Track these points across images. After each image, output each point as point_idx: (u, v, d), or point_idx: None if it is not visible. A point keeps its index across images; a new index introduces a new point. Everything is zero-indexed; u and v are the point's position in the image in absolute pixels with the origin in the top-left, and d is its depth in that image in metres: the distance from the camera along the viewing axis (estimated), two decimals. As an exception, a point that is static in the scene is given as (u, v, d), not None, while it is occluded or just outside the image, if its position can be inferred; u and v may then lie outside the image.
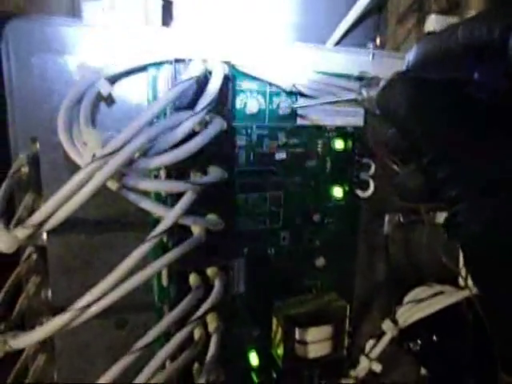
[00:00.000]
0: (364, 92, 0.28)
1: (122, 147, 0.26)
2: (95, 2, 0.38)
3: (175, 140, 0.30)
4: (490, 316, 0.21)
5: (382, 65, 0.45)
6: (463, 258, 0.22)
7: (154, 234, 0.29)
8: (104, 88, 0.32)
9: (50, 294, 0.37)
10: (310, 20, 0.47)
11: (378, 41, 0.51)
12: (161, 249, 0.37)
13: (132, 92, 0.36)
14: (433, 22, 0.48)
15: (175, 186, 0.31)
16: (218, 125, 0.32)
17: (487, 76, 0.20)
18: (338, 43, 0.47)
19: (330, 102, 0.38)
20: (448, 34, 0.22)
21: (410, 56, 0.25)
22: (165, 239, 0.38)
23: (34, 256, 0.38)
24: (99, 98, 0.33)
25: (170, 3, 0.43)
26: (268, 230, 0.45)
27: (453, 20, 0.49)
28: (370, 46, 0.47)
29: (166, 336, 0.34)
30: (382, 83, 0.26)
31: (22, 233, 0.28)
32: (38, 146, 0.34)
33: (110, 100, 0.34)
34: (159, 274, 0.39)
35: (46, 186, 0.34)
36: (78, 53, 0.34)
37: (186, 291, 0.35)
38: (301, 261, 0.47)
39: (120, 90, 0.35)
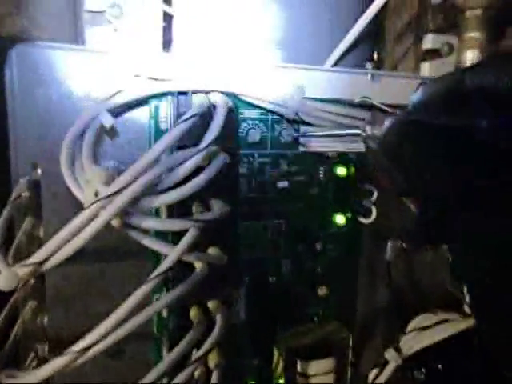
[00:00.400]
0: (368, 129, 0.28)
1: (127, 186, 0.26)
2: (99, 27, 0.38)
3: (179, 178, 0.29)
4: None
5: (382, 85, 0.44)
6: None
7: (156, 273, 0.28)
8: (106, 120, 0.31)
9: (46, 320, 0.37)
10: (307, 43, 0.46)
11: (376, 60, 0.51)
12: (163, 284, 0.36)
13: (134, 121, 0.35)
14: (430, 41, 0.48)
15: (178, 224, 0.30)
16: (221, 161, 0.32)
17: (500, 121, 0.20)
18: (335, 65, 0.46)
19: (334, 135, 0.37)
20: (455, 77, 0.21)
21: (415, 97, 0.24)
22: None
23: (32, 281, 0.37)
24: (102, 130, 0.33)
25: (171, 17, 0.43)
26: (269, 259, 0.44)
27: (450, 38, 0.49)
28: (369, 66, 0.46)
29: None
30: (386, 123, 0.25)
31: (22, 271, 0.27)
32: (39, 171, 0.33)
33: (112, 131, 0.34)
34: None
35: (46, 216, 0.34)
36: (82, 80, 0.33)
37: (185, 323, 0.35)
38: (302, 289, 0.46)
39: (122, 119, 0.35)
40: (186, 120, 0.29)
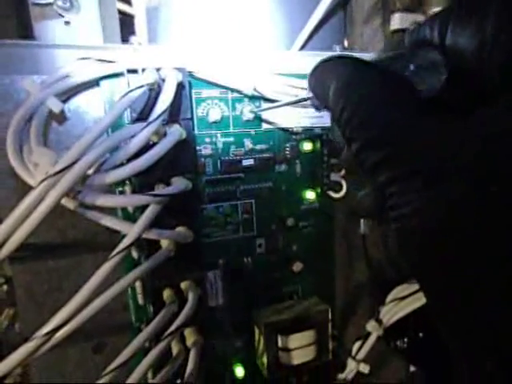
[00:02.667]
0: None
1: (74, 163, 0.26)
2: (48, 21, 0.38)
3: (130, 152, 0.29)
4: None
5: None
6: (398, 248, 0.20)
7: (117, 250, 0.28)
8: (54, 105, 0.31)
9: (19, 322, 0.36)
10: (275, 25, 0.46)
11: (345, 43, 0.51)
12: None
13: (88, 108, 0.35)
14: (398, 21, 0.48)
15: (134, 199, 0.30)
16: (175, 134, 0.32)
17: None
18: (302, 48, 0.47)
19: (287, 104, 0.37)
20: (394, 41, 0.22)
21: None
22: (136, 257, 0.37)
23: (5, 288, 0.37)
24: (52, 115, 0.32)
25: (131, 17, 0.43)
26: (242, 239, 0.44)
27: (417, 17, 0.49)
28: (337, 48, 0.46)
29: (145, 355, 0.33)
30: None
31: (-24, 262, 0.27)
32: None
33: (63, 117, 0.33)
34: (135, 294, 0.38)
35: (3, 214, 0.33)
36: (28, 72, 0.33)
37: (162, 308, 0.34)
38: (279, 267, 0.47)
39: (75, 107, 0.34)
40: (132, 90, 0.29)
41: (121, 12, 0.43)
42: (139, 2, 0.42)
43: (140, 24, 0.43)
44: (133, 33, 0.43)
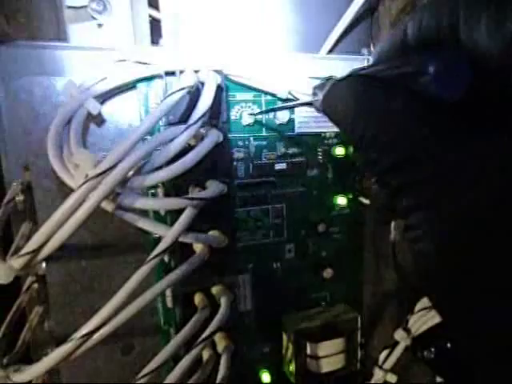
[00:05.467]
0: (320, 94, 0.26)
1: (115, 165, 0.25)
2: (82, 24, 0.38)
3: (170, 155, 0.29)
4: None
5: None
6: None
7: (153, 254, 0.28)
8: (93, 107, 0.31)
9: (52, 321, 0.36)
10: (305, 28, 0.46)
11: (372, 47, 0.51)
12: (164, 270, 0.36)
13: (123, 111, 0.35)
14: None
15: (172, 202, 0.29)
16: (213, 137, 0.32)
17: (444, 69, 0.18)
18: (331, 51, 0.46)
19: (291, 106, 0.37)
20: (398, 30, 0.20)
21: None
22: (167, 260, 0.37)
23: (36, 286, 0.37)
24: (89, 117, 0.32)
25: (158, 21, 0.43)
26: (272, 244, 0.44)
27: None
28: (365, 52, 0.46)
29: (175, 360, 0.33)
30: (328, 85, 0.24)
31: (17, 262, 0.27)
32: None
33: (100, 119, 0.33)
34: (164, 296, 0.38)
35: (40, 214, 0.33)
36: (66, 74, 0.33)
37: (191, 312, 0.34)
38: (308, 273, 0.46)
39: (111, 110, 0.34)
40: (173, 93, 0.29)
41: (149, 16, 0.43)
42: (167, 7, 0.42)
43: (168, 28, 0.43)
44: (160, 37, 0.43)
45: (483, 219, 0.15)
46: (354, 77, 0.22)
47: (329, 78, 0.26)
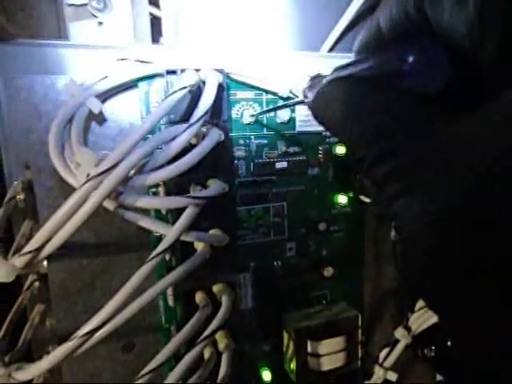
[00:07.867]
0: (309, 94, 0.26)
1: (117, 164, 0.25)
2: (82, 22, 0.38)
3: (171, 154, 0.29)
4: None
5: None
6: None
7: (155, 252, 0.28)
8: (94, 106, 0.31)
9: (53, 319, 0.36)
10: (305, 27, 0.46)
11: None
12: (165, 268, 0.36)
13: (125, 110, 0.35)
14: None
15: (175, 201, 0.29)
16: (214, 136, 0.32)
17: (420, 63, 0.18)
18: (331, 49, 0.46)
19: (285, 106, 0.37)
20: (374, 20, 0.20)
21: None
22: (168, 258, 0.37)
23: (37, 284, 0.37)
24: (90, 116, 0.32)
25: (158, 19, 0.43)
26: (273, 242, 0.44)
27: None
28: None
29: (176, 358, 0.33)
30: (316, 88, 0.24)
31: (19, 261, 0.27)
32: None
33: (101, 118, 0.33)
34: (165, 295, 0.38)
35: (41, 212, 0.33)
36: (67, 73, 0.33)
37: (192, 310, 0.34)
38: (308, 271, 0.46)
39: (112, 108, 0.34)
40: (175, 92, 0.29)
41: (150, 14, 0.43)
42: (167, 5, 0.42)
43: (168, 26, 0.43)
44: (160, 35, 0.43)
45: (457, 206, 0.15)
46: (338, 81, 0.22)
47: (316, 77, 0.27)
